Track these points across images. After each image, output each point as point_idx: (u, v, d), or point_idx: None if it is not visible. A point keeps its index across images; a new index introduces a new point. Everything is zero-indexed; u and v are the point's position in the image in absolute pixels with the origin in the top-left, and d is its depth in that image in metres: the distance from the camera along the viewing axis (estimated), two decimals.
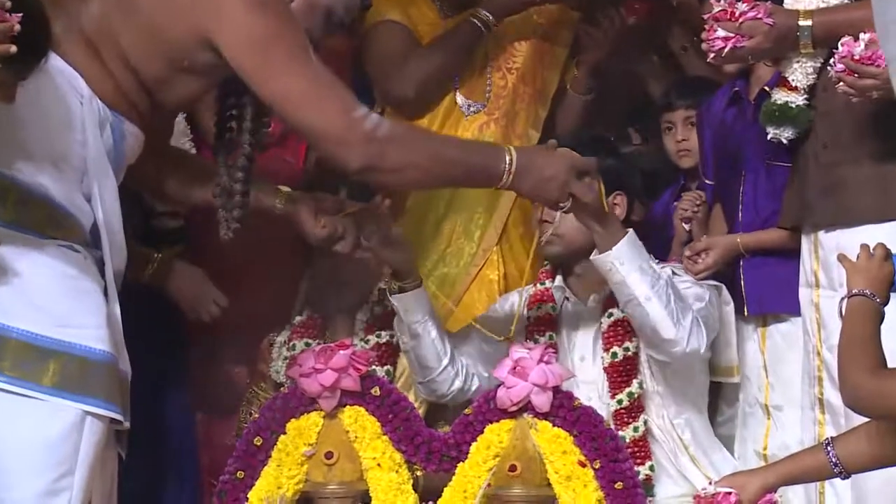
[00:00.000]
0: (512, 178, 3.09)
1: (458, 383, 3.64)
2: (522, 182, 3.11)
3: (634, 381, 3.60)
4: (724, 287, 3.71)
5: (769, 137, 3.55)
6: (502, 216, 4.09)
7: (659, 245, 3.87)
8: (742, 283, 3.77)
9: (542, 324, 3.74)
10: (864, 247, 2.79)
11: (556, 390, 3.07)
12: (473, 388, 3.66)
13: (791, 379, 3.68)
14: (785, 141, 3.54)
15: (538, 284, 3.77)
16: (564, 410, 3.06)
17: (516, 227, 4.14)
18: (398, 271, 3.57)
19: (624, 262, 3.38)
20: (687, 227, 4.03)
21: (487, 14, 4.09)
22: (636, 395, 3.58)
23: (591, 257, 3.44)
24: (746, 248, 3.76)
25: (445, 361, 3.62)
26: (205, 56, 2.95)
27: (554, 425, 3.06)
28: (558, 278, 3.78)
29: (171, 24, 2.93)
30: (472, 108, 4.15)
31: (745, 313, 3.75)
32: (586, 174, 3.22)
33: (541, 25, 4.25)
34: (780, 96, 3.51)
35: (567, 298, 3.75)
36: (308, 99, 2.91)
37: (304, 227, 3.33)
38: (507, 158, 3.07)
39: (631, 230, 3.44)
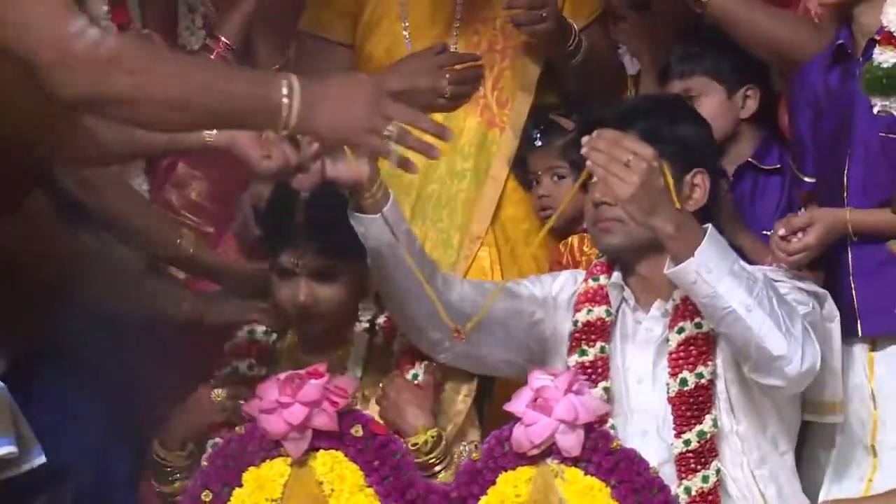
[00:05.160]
0: (297, 113, 2.55)
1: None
2: (316, 118, 2.59)
3: (707, 416, 3.12)
4: (828, 296, 3.28)
5: (876, 111, 3.15)
6: (482, 222, 3.69)
7: None
8: (854, 294, 3.36)
9: (593, 331, 3.26)
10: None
11: (590, 428, 2.88)
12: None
13: None
14: None
15: (590, 280, 3.31)
16: (599, 454, 2.88)
17: (517, 224, 3.73)
18: (351, 187, 3.06)
19: (711, 268, 2.94)
20: None
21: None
22: (708, 436, 3.12)
23: (666, 271, 3.02)
24: (857, 229, 3.34)
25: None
26: None
27: (586, 473, 2.89)
28: (616, 274, 3.31)
29: None
30: None
31: (858, 333, 3.35)
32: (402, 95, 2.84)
33: None
34: (885, 57, 3.14)
35: (625, 300, 3.29)
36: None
37: (246, 160, 2.91)
38: (284, 86, 2.54)
39: (710, 225, 3.01)
